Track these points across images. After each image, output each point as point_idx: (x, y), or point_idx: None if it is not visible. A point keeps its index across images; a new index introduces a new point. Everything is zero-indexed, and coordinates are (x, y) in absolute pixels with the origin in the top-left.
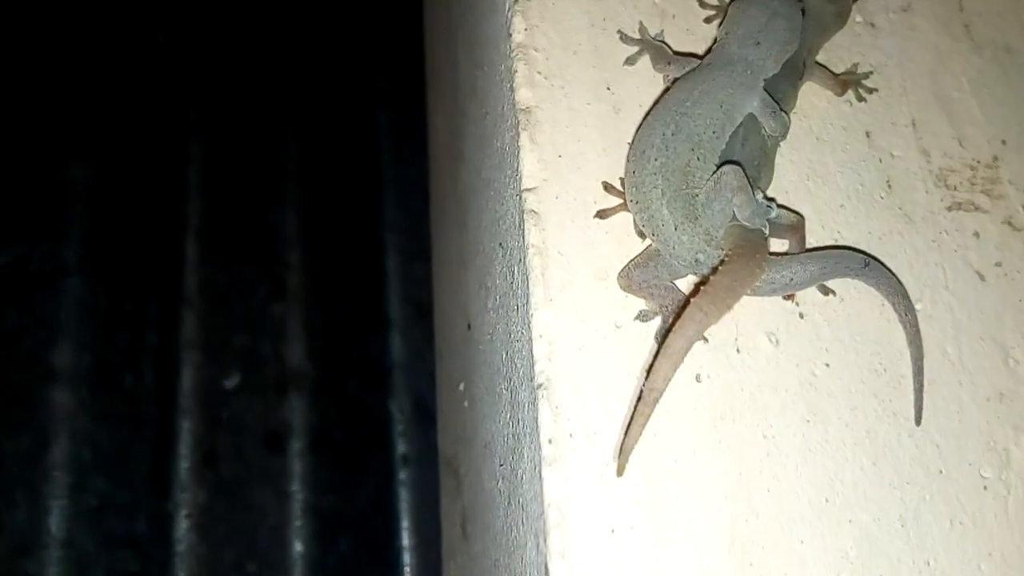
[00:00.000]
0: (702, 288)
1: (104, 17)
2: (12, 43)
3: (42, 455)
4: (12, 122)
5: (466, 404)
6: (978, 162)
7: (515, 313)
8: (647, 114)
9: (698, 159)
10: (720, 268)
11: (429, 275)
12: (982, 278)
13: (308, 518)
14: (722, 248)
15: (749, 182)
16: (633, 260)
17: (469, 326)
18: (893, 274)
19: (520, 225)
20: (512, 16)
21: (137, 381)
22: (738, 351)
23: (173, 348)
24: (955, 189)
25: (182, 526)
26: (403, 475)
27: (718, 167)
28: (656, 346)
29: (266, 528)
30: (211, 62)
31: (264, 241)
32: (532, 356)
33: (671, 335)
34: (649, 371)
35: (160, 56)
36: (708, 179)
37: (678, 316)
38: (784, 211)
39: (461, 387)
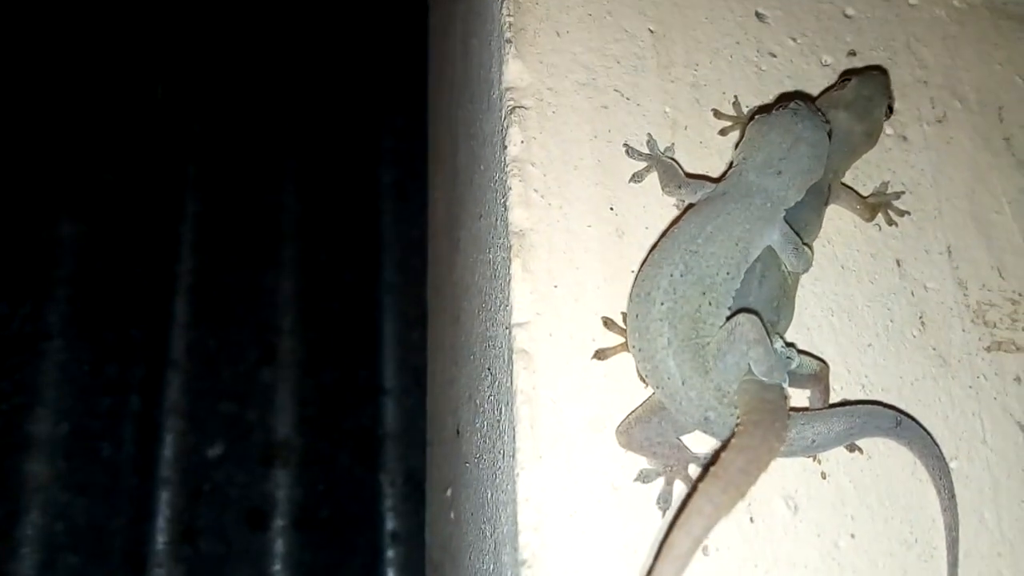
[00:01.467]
0: (711, 470)
1: (102, 69)
2: (5, 94)
3: (11, 529)
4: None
5: (452, 516)
6: (1019, 295)
7: (501, 461)
8: (654, 247)
9: (709, 304)
10: (732, 443)
11: (427, 340)
12: None
13: None
14: (735, 406)
15: (767, 332)
16: (634, 413)
17: (458, 432)
18: (927, 432)
19: (509, 363)
20: (508, 126)
21: (117, 450)
22: (751, 520)
23: (156, 414)
24: (994, 326)
25: None
26: (391, 553)
27: (732, 313)
28: (663, 531)
29: None
30: (211, 117)
31: (256, 304)
32: (516, 523)
33: (675, 532)
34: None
35: (158, 110)
36: (720, 327)
37: (683, 507)
38: (806, 358)
39: (448, 493)
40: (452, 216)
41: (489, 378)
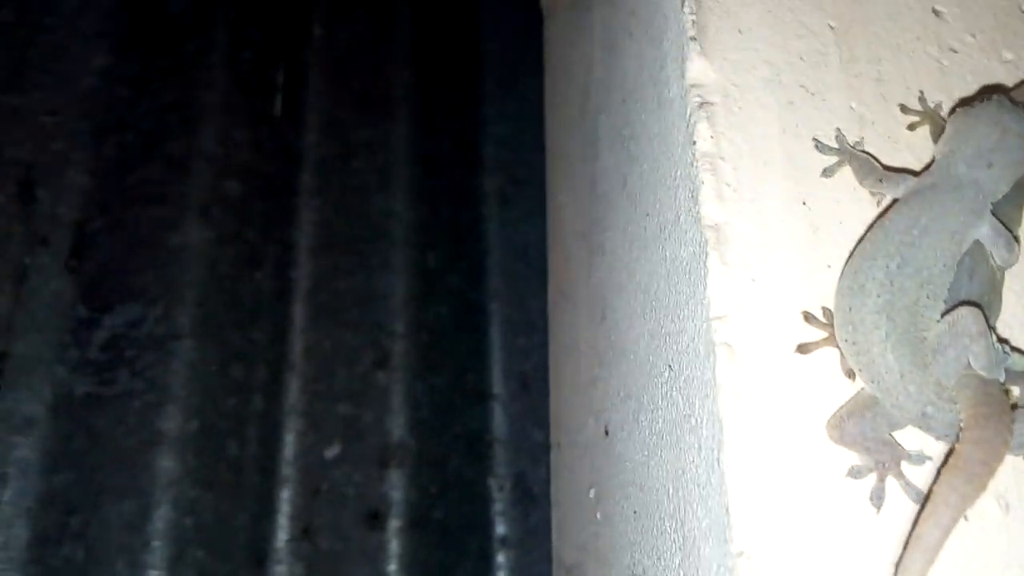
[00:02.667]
0: (951, 463)
1: (222, 78)
2: (127, 96)
3: (144, 523)
4: (132, 182)
5: (598, 516)
6: None
7: (694, 455)
8: (861, 239)
9: (927, 296)
10: (967, 435)
11: (533, 347)
12: None
13: None
14: (954, 402)
15: (989, 326)
16: (845, 407)
17: (606, 432)
18: None
19: (707, 357)
20: (696, 122)
21: (241, 448)
22: (966, 518)
23: (277, 414)
24: None
25: None
26: (501, 558)
27: (949, 306)
28: (909, 532)
29: None
30: (324, 127)
31: (370, 308)
32: (728, 515)
33: (923, 525)
34: (897, 568)
35: (276, 121)
36: (938, 320)
37: (926, 500)
38: (1016, 355)
39: (591, 494)
40: (592, 220)
41: (668, 374)
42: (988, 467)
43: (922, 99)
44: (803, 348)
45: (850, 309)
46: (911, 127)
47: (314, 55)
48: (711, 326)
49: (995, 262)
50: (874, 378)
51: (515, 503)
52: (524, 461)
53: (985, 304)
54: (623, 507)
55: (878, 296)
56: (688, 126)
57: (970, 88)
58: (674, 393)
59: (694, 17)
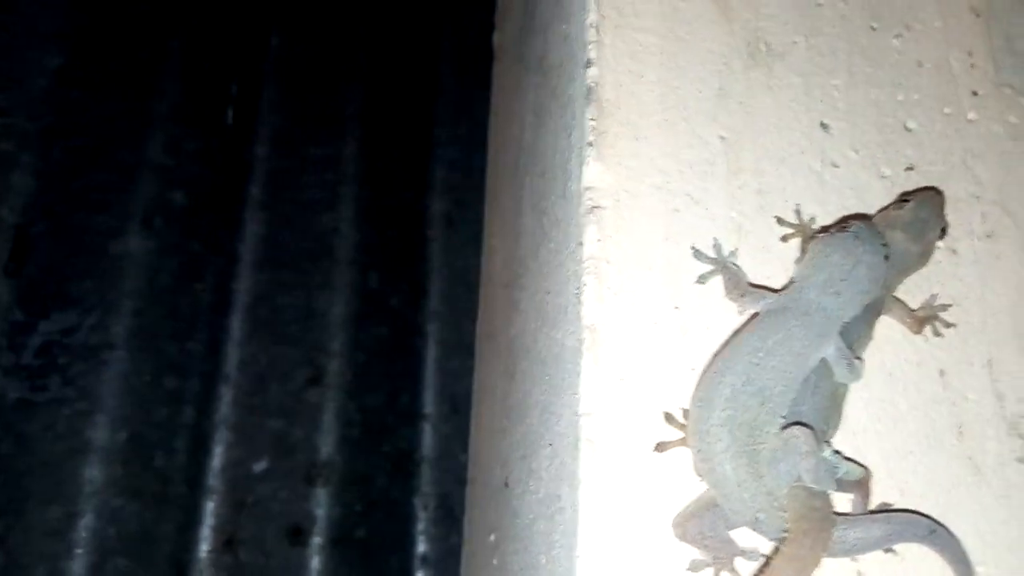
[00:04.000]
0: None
1: (174, 89)
2: (79, 99)
3: (68, 530)
4: (72, 187)
5: (495, 562)
6: None
7: (557, 535)
8: (717, 353)
9: (766, 413)
10: (783, 550)
11: (467, 370)
12: None
13: None
14: (783, 510)
15: (818, 444)
16: (689, 508)
17: (506, 484)
18: (958, 542)
19: (575, 449)
20: (586, 224)
21: (169, 459)
22: None
23: (207, 427)
24: None
25: None
26: (421, 575)
27: (787, 423)
28: None
29: None
30: (275, 141)
31: (308, 325)
32: None
33: None
34: None
35: (226, 132)
36: (775, 434)
37: None
38: (851, 465)
39: (492, 538)
40: (511, 274)
41: (549, 451)
42: None
43: (798, 212)
44: (661, 447)
45: (698, 420)
46: (784, 239)
47: (270, 68)
48: (579, 421)
49: (839, 379)
50: (714, 483)
51: (438, 522)
52: (450, 482)
53: (823, 419)
54: (512, 561)
55: (722, 411)
56: (579, 227)
57: (847, 202)
58: (552, 471)
59: (594, 123)
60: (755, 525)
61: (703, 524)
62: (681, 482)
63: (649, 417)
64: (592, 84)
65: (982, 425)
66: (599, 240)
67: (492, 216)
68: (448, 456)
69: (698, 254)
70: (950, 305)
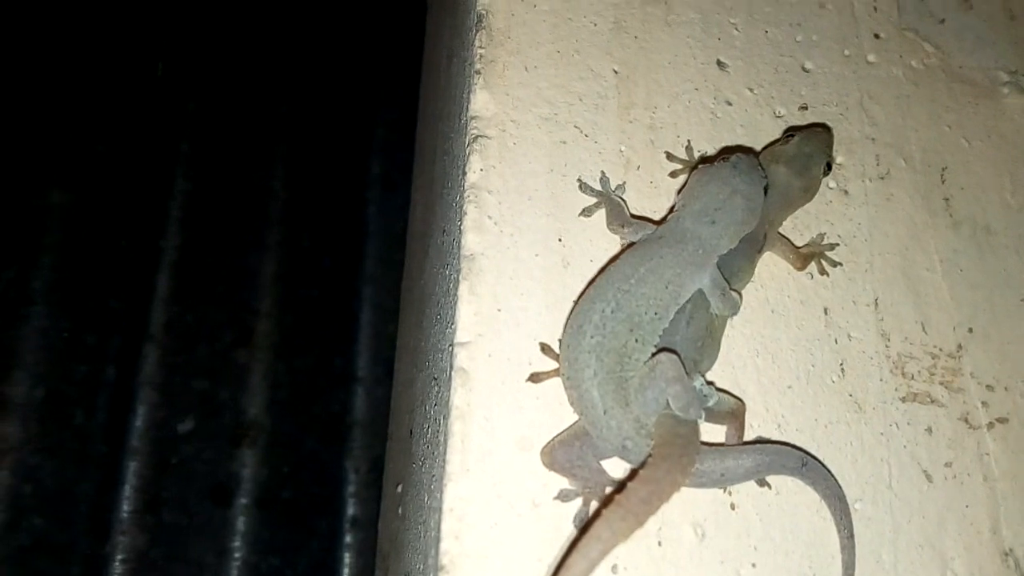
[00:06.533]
0: (615, 498)
1: (104, 42)
2: (2, 62)
3: None
4: None
5: (400, 511)
6: (940, 350)
7: (436, 470)
8: (591, 282)
9: (636, 341)
10: (640, 473)
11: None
12: (929, 479)
13: None
14: (651, 438)
15: (686, 371)
16: (559, 436)
17: (411, 432)
18: (831, 475)
19: (448, 381)
20: (470, 153)
21: (89, 417)
22: (660, 543)
23: (130, 386)
24: (912, 378)
25: (116, 571)
26: (350, 538)
27: (657, 350)
28: (562, 552)
29: None
30: (207, 97)
31: (237, 285)
32: (440, 530)
33: (573, 555)
34: None
35: (157, 87)
36: (645, 363)
37: (584, 531)
38: (724, 396)
39: (399, 489)
40: (426, 223)
41: (436, 389)
42: (648, 505)
43: (688, 148)
44: (535, 377)
45: (568, 347)
46: (673, 175)
47: (205, 21)
48: (454, 351)
49: (714, 311)
50: (583, 411)
51: (369, 485)
52: (381, 446)
53: (698, 349)
54: (410, 507)
55: (591, 337)
56: (464, 156)
57: (739, 140)
58: (436, 408)
59: (483, 51)
60: (623, 453)
61: (571, 453)
62: (556, 413)
63: (528, 348)
64: (482, 11)
65: (865, 363)
66: (482, 170)
67: (417, 170)
68: (381, 420)
69: (583, 186)
70: (837, 244)
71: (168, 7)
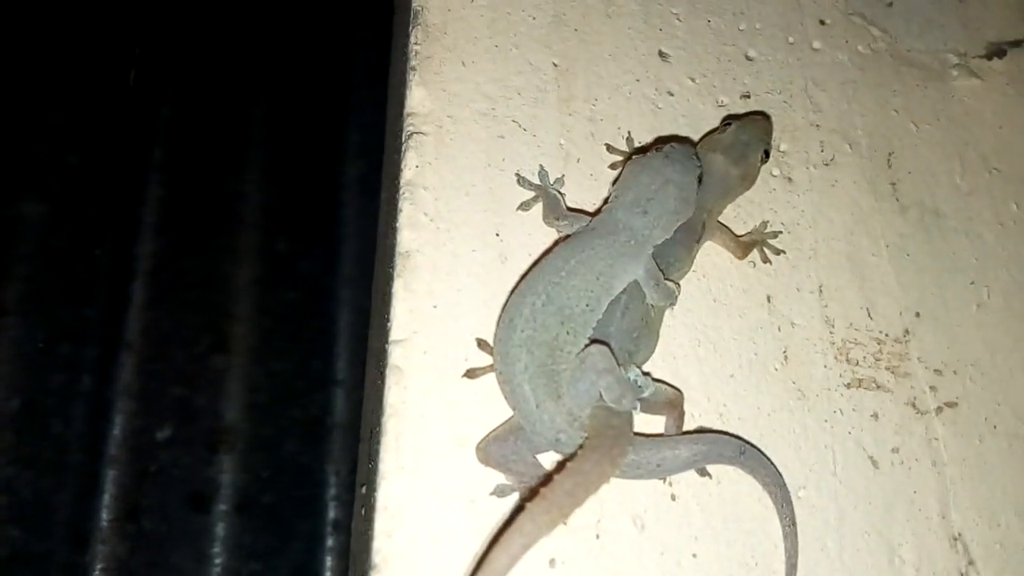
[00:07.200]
0: (540, 491)
1: (74, 50)
2: None
3: None
4: None
5: (363, 512)
6: (886, 335)
7: (372, 468)
8: (524, 274)
9: (567, 333)
10: (567, 465)
11: None
12: (875, 465)
13: None
14: (585, 431)
15: (618, 362)
16: (494, 432)
17: (371, 433)
18: (771, 462)
19: (382, 380)
20: (405, 150)
21: (66, 427)
22: (598, 536)
23: (107, 394)
24: (857, 364)
25: None
26: (331, 542)
27: (590, 342)
28: (484, 546)
29: None
30: (180, 102)
31: (212, 290)
32: (373, 529)
33: (494, 549)
34: None
35: (128, 93)
36: (577, 355)
37: (506, 524)
38: (661, 386)
39: (363, 490)
40: (384, 228)
41: (378, 387)
42: (573, 498)
43: (629, 140)
44: (471, 373)
45: (500, 341)
46: (613, 166)
47: (177, 26)
48: (388, 349)
49: (650, 302)
50: (515, 406)
51: (350, 488)
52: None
53: (633, 340)
54: (368, 504)
55: (522, 331)
56: (400, 153)
57: (681, 130)
58: (378, 408)
59: (418, 47)
60: (557, 447)
61: (506, 448)
62: (492, 409)
63: (464, 344)
64: (418, 8)
65: (808, 351)
66: (417, 166)
67: (385, 172)
68: (361, 422)
69: (521, 180)
70: (781, 232)
71: (139, 14)
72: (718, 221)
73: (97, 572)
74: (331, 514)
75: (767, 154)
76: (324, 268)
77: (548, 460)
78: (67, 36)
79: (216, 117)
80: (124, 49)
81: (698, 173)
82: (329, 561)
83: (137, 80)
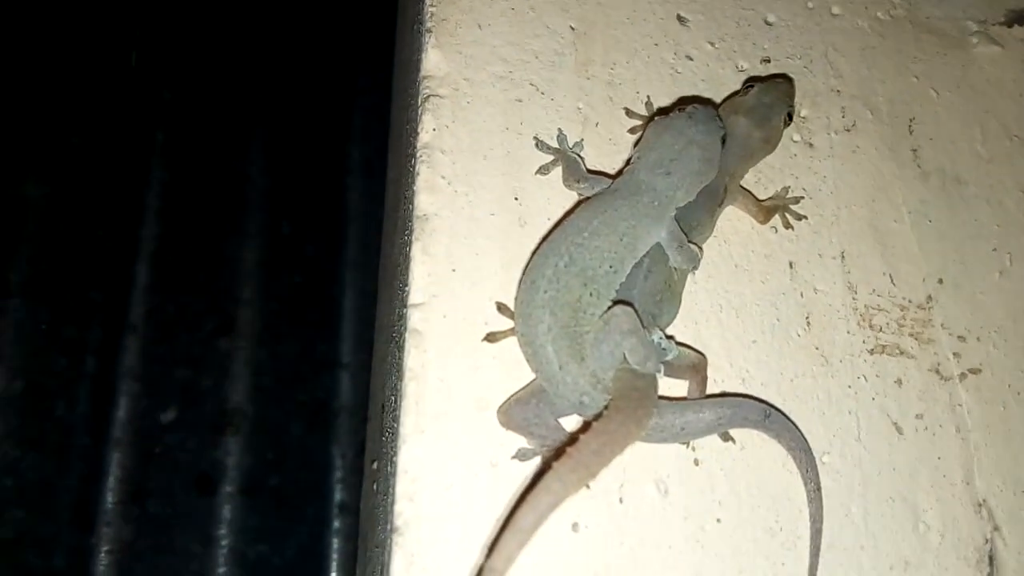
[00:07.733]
0: (567, 451)
1: (77, 33)
2: None
3: None
4: None
5: (375, 487)
6: (909, 302)
7: (391, 434)
8: (545, 236)
9: (591, 295)
10: (593, 425)
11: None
12: (899, 431)
13: (233, 566)
14: (608, 394)
15: (642, 324)
16: (515, 395)
17: (383, 407)
18: (795, 426)
19: (402, 343)
20: (422, 113)
21: (70, 409)
22: (621, 500)
23: (111, 377)
24: (880, 330)
25: (102, 563)
26: (338, 524)
27: (613, 304)
28: (511, 505)
29: (188, 573)
30: (182, 85)
31: (217, 273)
32: (395, 493)
33: (521, 508)
34: (492, 548)
35: (131, 76)
36: (600, 317)
37: (532, 484)
38: (685, 350)
39: (374, 466)
40: (396, 196)
41: (395, 354)
42: (600, 457)
43: (648, 104)
44: (491, 337)
45: (522, 303)
46: (632, 131)
47: (181, 4)
48: (407, 313)
49: (673, 265)
50: (538, 368)
51: (356, 471)
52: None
53: (656, 303)
54: (380, 480)
55: (544, 292)
56: (416, 117)
57: (700, 95)
58: (392, 380)
59: (434, 9)
60: (581, 409)
61: (528, 411)
62: (513, 373)
63: (484, 308)
64: None
65: (831, 316)
66: (435, 129)
67: (391, 148)
68: (366, 404)
69: (540, 144)
70: (802, 197)
71: None
72: (740, 185)
73: (102, 554)
74: (337, 496)
75: (790, 117)
76: (329, 251)
77: (570, 424)
78: (69, 19)
79: (218, 100)
80: (125, 31)
81: (722, 134)
82: (336, 543)
83: (139, 62)
